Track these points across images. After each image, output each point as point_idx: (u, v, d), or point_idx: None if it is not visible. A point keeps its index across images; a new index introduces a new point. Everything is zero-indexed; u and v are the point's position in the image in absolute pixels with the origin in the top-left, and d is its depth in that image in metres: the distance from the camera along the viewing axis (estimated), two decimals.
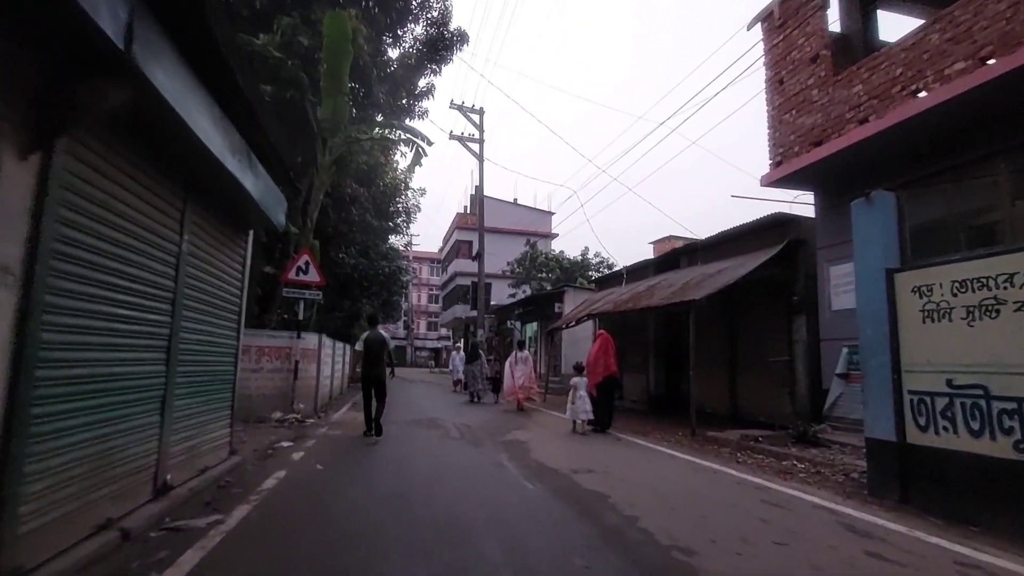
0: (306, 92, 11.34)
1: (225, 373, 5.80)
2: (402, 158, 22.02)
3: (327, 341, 12.70)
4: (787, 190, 9.71)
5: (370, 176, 17.61)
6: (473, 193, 43.82)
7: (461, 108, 23.95)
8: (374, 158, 17.53)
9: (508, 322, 28.01)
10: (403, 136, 12.98)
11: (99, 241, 3.23)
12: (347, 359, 18.50)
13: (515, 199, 45.97)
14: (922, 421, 4.91)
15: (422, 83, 16.50)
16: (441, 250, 56.56)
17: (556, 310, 20.07)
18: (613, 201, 74.35)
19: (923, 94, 6.89)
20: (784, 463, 6.70)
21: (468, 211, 45.84)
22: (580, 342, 17.07)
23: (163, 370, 4.26)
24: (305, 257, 10.70)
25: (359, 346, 8.77)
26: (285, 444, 7.54)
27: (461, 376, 17.62)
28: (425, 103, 17.07)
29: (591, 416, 9.35)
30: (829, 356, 8.47)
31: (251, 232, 6.40)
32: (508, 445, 7.97)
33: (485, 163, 23.51)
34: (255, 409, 9.78)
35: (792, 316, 9.46)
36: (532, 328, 25.00)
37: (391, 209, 21.27)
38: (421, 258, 60.14)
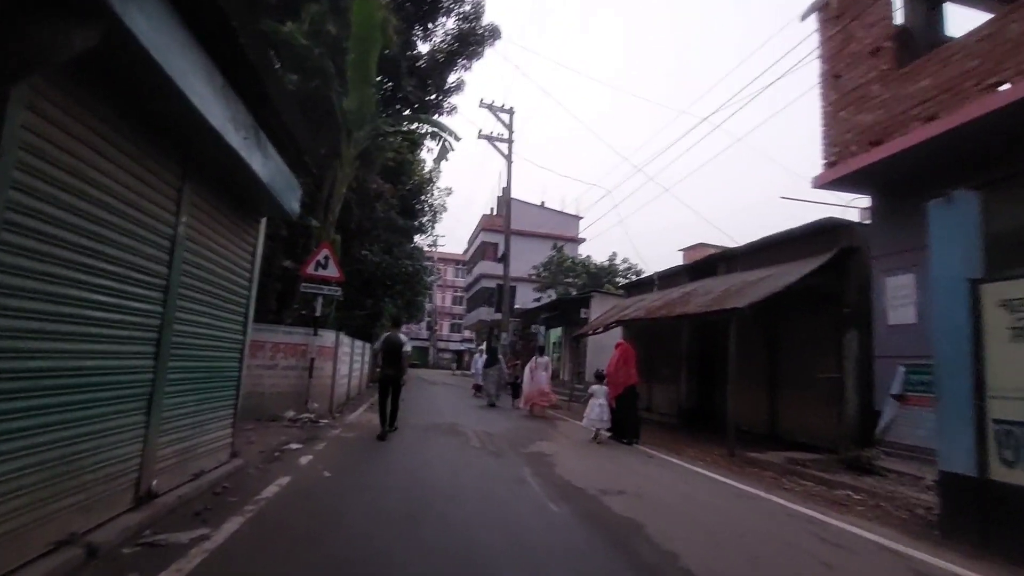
0: (332, 82, 11.00)
1: (228, 369, 5.38)
2: (428, 154, 21.69)
3: (345, 339, 12.33)
4: (840, 193, 8.98)
5: (396, 173, 17.29)
6: (500, 195, 43.50)
7: (491, 107, 23.55)
8: (401, 155, 17.22)
9: (533, 326, 27.46)
10: (430, 130, 12.56)
11: (67, 214, 2.81)
12: (366, 359, 18.14)
13: (542, 202, 45.49)
14: (1009, 455, 4.24)
15: (451, 78, 16.13)
16: (466, 252, 56.30)
17: (582, 316, 19.48)
18: (644, 205, 73.13)
19: (1006, 86, 6.16)
20: (836, 492, 6.02)
21: (494, 213, 45.47)
22: (606, 349, 16.40)
23: (151, 364, 3.84)
24: (325, 251, 10.34)
25: (378, 345, 8.98)
26: (294, 446, 7.12)
27: (482, 382, 17.27)
28: (454, 98, 16.69)
29: (608, 425, 9.25)
30: (883, 375, 7.72)
31: (263, 220, 6.00)
32: (531, 458, 7.43)
33: (513, 164, 23.10)
34: (267, 407, 9.44)
35: (842, 330, 8.72)
36: (557, 333, 24.42)
37: (417, 207, 20.90)
38: (446, 259, 59.92)
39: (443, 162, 12.69)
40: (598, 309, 18.73)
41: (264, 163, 4.71)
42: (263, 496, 4.67)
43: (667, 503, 5.28)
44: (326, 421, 9.67)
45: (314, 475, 5.62)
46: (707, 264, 13.03)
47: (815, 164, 8.75)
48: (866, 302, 8.29)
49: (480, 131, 23.34)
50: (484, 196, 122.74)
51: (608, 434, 9.38)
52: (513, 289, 27.45)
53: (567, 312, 22.61)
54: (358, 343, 15.48)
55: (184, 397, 4.41)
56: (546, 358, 14.05)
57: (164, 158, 3.79)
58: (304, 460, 6.30)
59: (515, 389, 15.69)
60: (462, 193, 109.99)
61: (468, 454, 7.53)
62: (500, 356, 16.92)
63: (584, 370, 19.44)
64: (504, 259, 22.71)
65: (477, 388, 18.26)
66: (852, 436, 8.02)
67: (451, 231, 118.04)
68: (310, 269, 10.21)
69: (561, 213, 44.06)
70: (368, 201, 14.77)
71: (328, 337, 10.85)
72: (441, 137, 12.18)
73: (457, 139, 12.36)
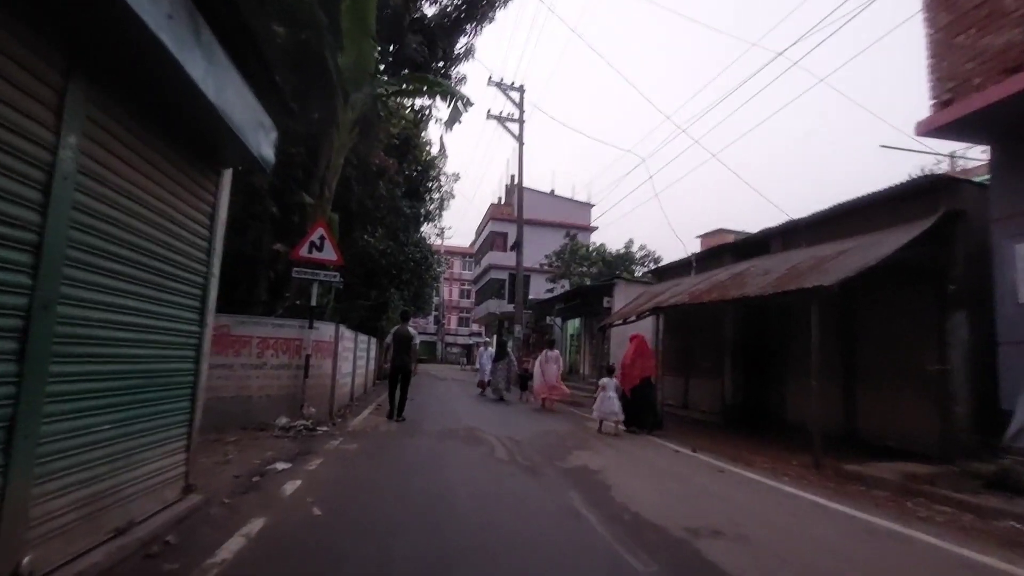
0: (324, 34, 9.47)
1: (176, 373, 3.90)
2: (436, 125, 20.27)
3: (347, 332, 10.85)
4: (945, 142, 7.42)
5: (401, 151, 15.78)
6: (508, 184, 41.90)
7: (500, 85, 22.05)
8: (407, 129, 15.72)
9: (548, 318, 25.95)
10: (438, 91, 11.03)
11: None
12: (372, 354, 16.66)
13: (552, 190, 43.99)
14: None
15: (460, 43, 14.55)
16: (473, 244, 54.92)
17: (605, 305, 18.00)
18: (671, 184, 71.36)
19: None
20: (998, 524, 4.49)
21: (502, 202, 44.04)
22: None
23: (13, 370, 2.36)
24: (320, 231, 8.85)
25: (388, 339, 9.85)
26: (280, 467, 5.67)
27: (489, 377, 15.98)
28: (464, 66, 15.15)
29: (620, 417, 9.42)
30: (1012, 365, 6.16)
31: (226, 172, 4.50)
32: (576, 475, 5.96)
33: (525, 145, 21.55)
34: (255, 414, 8.02)
35: (946, 312, 7.16)
36: (575, 325, 22.93)
37: (423, 192, 19.37)
38: (453, 252, 58.52)
39: (456, 124, 11.14)
40: (623, 297, 17.23)
41: (208, 71, 3.19)
42: (218, 558, 3.19)
43: (789, 550, 3.77)
44: (324, 428, 8.23)
45: (299, 514, 4.16)
46: (758, 241, 11.41)
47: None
48: (979, 276, 6.73)
49: (488, 111, 21.77)
50: (491, 187, 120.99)
51: (622, 426, 9.51)
52: (526, 279, 25.88)
53: (586, 302, 21.12)
54: (362, 337, 14.00)
55: (89, 418, 2.92)
56: (556, 352, 13.89)
57: (26, 32, 2.30)
58: (289, 488, 4.85)
59: (523, 381, 16.03)
60: (467, 185, 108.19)
61: (497, 472, 6.07)
62: (509, 350, 16.47)
63: (607, 363, 17.98)
64: (517, 246, 21.18)
65: (482, 385, 16.85)
66: (966, 441, 6.51)
67: (457, 225, 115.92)
68: (303, 251, 8.73)
69: (572, 201, 42.60)
70: (370, 178, 13.24)
71: (326, 330, 9.38)
72: (452, 98, 10.66)
73: (470, 103, 10.85)
